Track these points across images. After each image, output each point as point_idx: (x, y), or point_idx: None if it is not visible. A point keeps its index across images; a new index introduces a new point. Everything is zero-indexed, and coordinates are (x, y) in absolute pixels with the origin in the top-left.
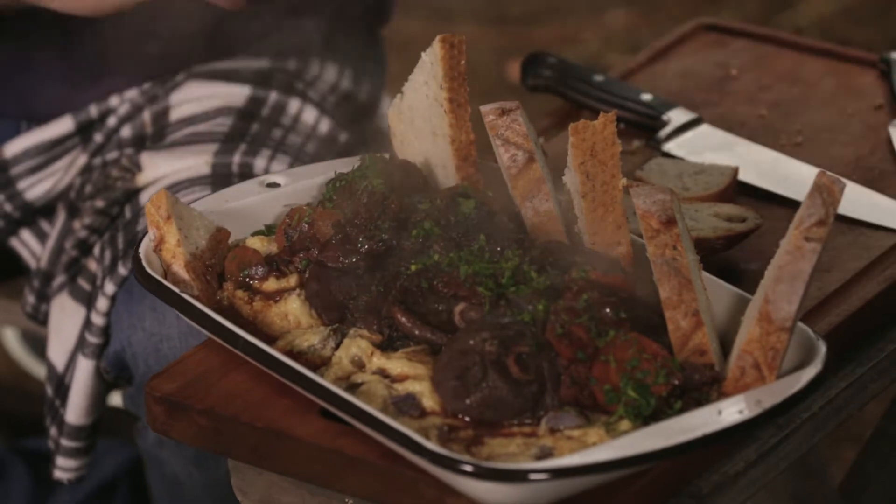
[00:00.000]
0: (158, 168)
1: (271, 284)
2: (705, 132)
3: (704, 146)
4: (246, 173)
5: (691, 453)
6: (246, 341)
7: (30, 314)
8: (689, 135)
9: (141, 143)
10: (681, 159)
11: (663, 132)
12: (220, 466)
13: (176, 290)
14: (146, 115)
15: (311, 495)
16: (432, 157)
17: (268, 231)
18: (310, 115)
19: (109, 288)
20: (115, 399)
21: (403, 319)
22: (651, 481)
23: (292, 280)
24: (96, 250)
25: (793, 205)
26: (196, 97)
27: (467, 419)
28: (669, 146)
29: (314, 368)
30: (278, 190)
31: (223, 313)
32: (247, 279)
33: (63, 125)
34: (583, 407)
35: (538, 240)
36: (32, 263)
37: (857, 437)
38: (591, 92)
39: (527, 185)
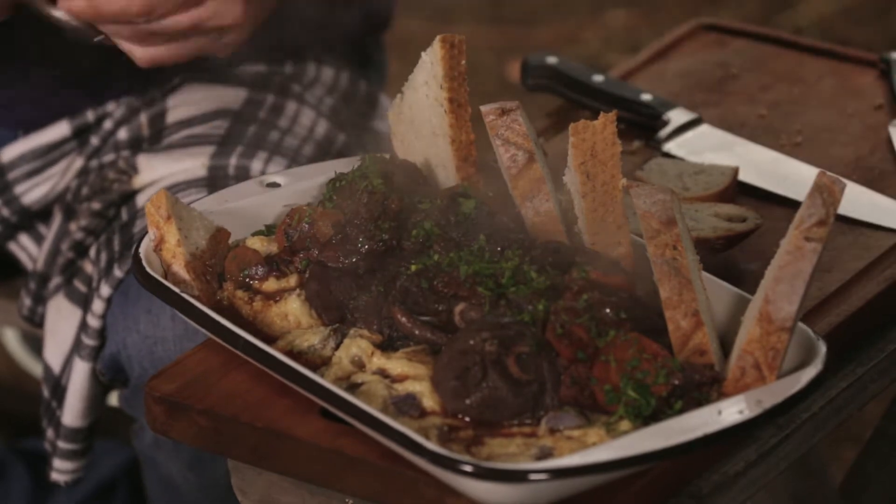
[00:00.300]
0: (155, 170)
1: (271, 284)
2: (705, 132)
3: (704, 146)
4: (242, 176)
5: (691, 453)
6: (246, 341)
7: (26, 316)
8: (689, 135)
9: (137, 145)
10: (681, 159)
11: (663, 132)
12: (216, 469)
13: (176, 290)
14: (143, 118)
15: (311, 495)
16: (432, 157)
17: (268, 231)
18: (307, 117)
19: (105, 290)
20: (114, 400)
21: (403, 319)
22: (651, 481)
23: (292, 280)
24: (92, 252)
25: (793, 205)
26: (193, 100)
27: (467, 419)
28: (669, 146)
29: (314, 368)
30: (278, 190)
31: (223, 313)
32: (247, 279)
33: (59, 129)
34: (583, 407)
35: (538, 240)
36: (30, 266)
37: (857, 437)
38: (591, 92)
39: (527, 185)
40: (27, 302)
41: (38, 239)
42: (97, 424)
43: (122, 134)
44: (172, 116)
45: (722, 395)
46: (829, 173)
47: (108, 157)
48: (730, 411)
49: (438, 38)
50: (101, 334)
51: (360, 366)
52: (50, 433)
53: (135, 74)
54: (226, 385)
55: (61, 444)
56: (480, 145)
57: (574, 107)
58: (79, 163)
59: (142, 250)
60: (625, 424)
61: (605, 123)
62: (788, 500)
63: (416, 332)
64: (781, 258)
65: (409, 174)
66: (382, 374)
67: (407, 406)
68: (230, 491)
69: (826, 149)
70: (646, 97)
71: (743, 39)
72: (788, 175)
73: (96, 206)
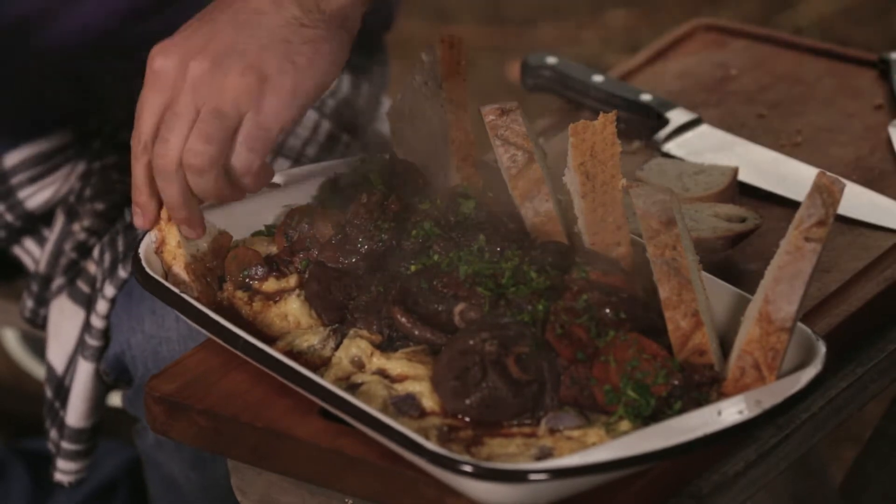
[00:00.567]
0: None
1: (271, 285)
2: (705, 132)
3: (704, 146)
4: None
5: (691, 453)
6: (246, 342)
7: (28, 318)
8: (688, 135)
9: None
10: (681, 159)
11: (663, 132)
12: (217, 469)
13: (176, 290)
14: None
15: (310, 495)
16: (432, 158)
17: (268, 231)
18: (309, 118)
19: (109, 291)
20: (116, 399)
21: (403, 320)
22: (651, 481)
23: (292, 280)
24: (96, 253)
25: (792, 205)
26: None
27: (467, 419)
28: (669, 146)
29: (314, 369)
30: (278, 190)
31: (223, 314)
32: (246, 279)
33: (62, 135)
34: (582, 407)
35: (538, 240)
36: (33, 268)
37: (857, 437)
38: (590, 92)
39: (526, 185)
40: (29, 303)
41: (42, 242)
42: (100, 424)
43: (125, 135)
44: None
45: (721, 396)
46: (828, 173)
47: (111, 159)
48: (729, 411)
49: (438, 38)
50: (105, 335)
51: (359, 366)
52: (53, 434)
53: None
54: (226, 385)
55: (65, 445)
56: (480, 145)
57: (574, 107)
58: (81, 166)
59: (142, 251)
60: (624, 424)
61: (605, 124)
62: (788, 500)
63: (416, 332)
64: (781, 258)
65: (409, 174)
66: (382, 374)
67: (407, 406)
68: (232, 491)
69: (826, 149)
70: (645, 97)
71: (743, 39)
72: (788, 175)
73: (99, 206)
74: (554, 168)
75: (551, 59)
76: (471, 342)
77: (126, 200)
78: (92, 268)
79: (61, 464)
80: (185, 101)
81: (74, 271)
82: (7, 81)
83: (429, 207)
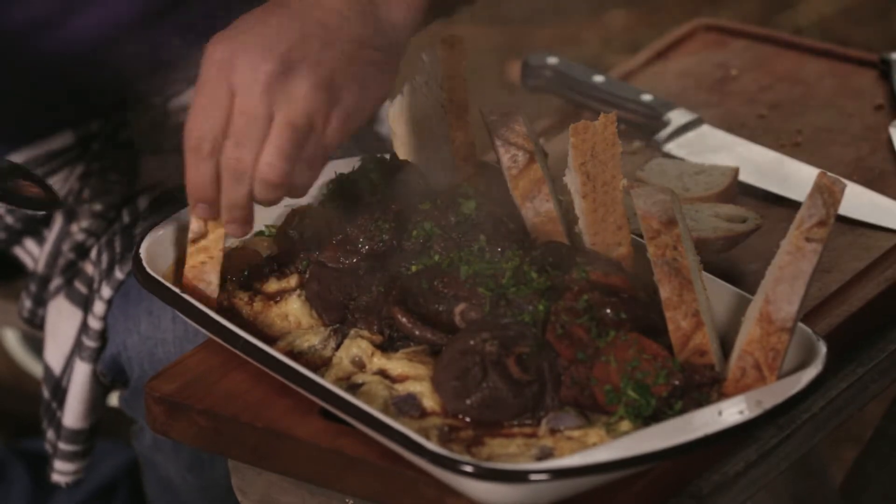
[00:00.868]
0: (156, 173)
1: (272, 285)
2: (706, 133)
3: (705, 147)
4: None
5: (692, 454)
6: (246, 342)
7: (26, 318)
8: (689, 135)
9: (139, 148)
10: (681, 160)
11: (664, 133)
12: (214, 471)
13: (177, 290)
14: (144, 122)
15: (311, 495)
16: (432, 158)
17: (268, 231)
18: None
19: (106, 292)
20: (115, 400)
21: (404, 320)
22: (651, 481)
23: (293, 280)
24: (93, 254)
25: (793, 205)
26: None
27: (467, 419)
28: (670, 147)
29: (315, 369)
30: None
31: (223, 314)
32: (247, 279)
33: (63, 138)
34: (583, 407)
35: (538, 240)
36: (32, 268)
37: (857, 437)
38: (591, 92)
39: (527, 185)
40: (27, 303)
41: (42, 242)
42: (98, 425)
43: (124, 137)
44: (175, 119)
45: (722, 396)
46: (829, 174)
47: (110, 160)
48: (730, 412)
49: (438, 38)
50: (102, 336)
51: (360, 366)
52: (50, 434)
53: (138, 88)
54: (226, 385)
55: (62, 446)
56: (481, 146)
57: (574, 107)
58: (80, 167)
59: (143, 250)
60: (625, 425)
61: (606, 124)
62: (789, 501)
63: (417, 332)
64: (782, 258)
65: (410, 174)
66: (383, 374)
67: (407, 406)
68: (229, 493)
69: (826, 149)
70: (646, 98)
71: (743, 40)
72: (789, 175)
73: (98, 207)
74: (554, 168)
75: (552, 60)
76: (471, 342)
77: (124, 202)
78: (89, 269)
79: (59, 464)
80: (257, 104)
81: (72, 272)
82: (10, 85)
83: (429, 208)
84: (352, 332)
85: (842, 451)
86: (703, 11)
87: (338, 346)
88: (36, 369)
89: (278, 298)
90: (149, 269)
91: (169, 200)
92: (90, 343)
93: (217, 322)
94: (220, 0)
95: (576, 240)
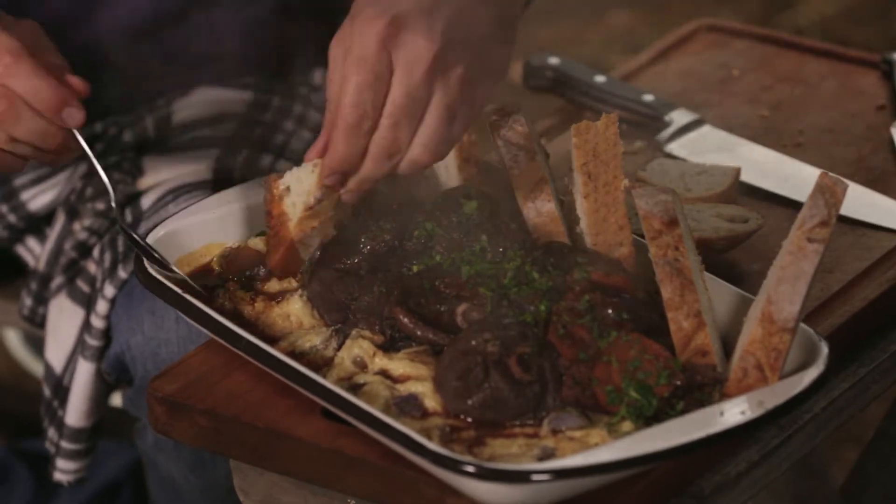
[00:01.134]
0: (160, 172)
1: (273, 285)
2: (707, 133)
3: (706, 147)
4: (248, 178)
5: (693, 454)
6: (248, 342)
7: (27, 317)
8: (691, 135)
9: (143, 147)
10: (683, 160)
11: (665, 133)
12: (216, 471)
13: (177, 290)
14: (148, 121)
15: (312, 495)
16: None
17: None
18: (313, 119)
19: (109, 291)
20: (118, 399)
21: (405, 320)
22: (653, 482)
23: (294, 281)
24: (96, 252)
25: (795, 205)
26: (198, 103)
27: (469, 420)
28: (671, 147)
29: (316, 369)
30: None
31: (225, 314)
32: (249, 280)
33: None
34: (585, 408)
35: (540, 240)
36: (34, 266)
37: (858, 437)
38: (592, 92)
39: (528, 185)
40: (28, 302)
41: (44, 240)
42: (102, 424)
43: (128, 136)
44: (178, 119)
45: (724, 396)
46: (831, 174)
47: (113, 159)
48: (732, 412)
49: None
50: (106, 335)
51: (362, 366)
52: (52, 433)
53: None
54: (227, 385)
55: (65, 444)
56: (482, 146)
57: (576, 107)
58: (83, 166)
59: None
60: (627, 425)
61: (607, 124)
62: (790, 501)
63: (418, 332)
64: (783, 259)
65: (410, 174)
66: (384, 374)
67: (409, 407)
68: (231, 493)
69: (828, 149)
70: (647, 98)
71: (744, 40)
72: (790, 176)
73: (100, 206)
74: (556, 168)
75: (553, 60)
76: (473, 342)
77: (128, 201)
78: (92, 267)
79: (61, 463)
80: (421, 85)
81: (74, 270)
82: None
83: (431, 208)
84: (353, 332)
85: (843, 451)
86: (704, 12)
87: (339, 347)
88: (37, 369)
89: (280, 298)
90: (150, 269)
91: (172, 200)
92: (93, 342)
93: (219, 322)
94: (227, 4)
95: (577, 240)
